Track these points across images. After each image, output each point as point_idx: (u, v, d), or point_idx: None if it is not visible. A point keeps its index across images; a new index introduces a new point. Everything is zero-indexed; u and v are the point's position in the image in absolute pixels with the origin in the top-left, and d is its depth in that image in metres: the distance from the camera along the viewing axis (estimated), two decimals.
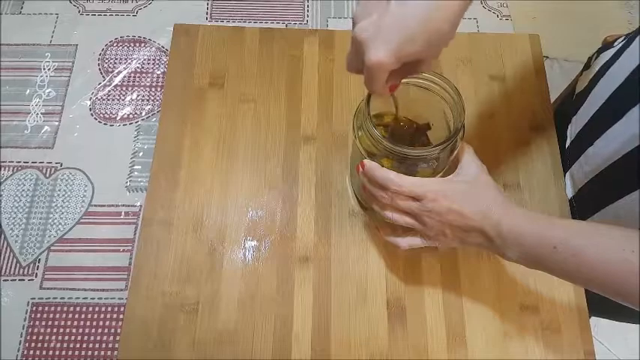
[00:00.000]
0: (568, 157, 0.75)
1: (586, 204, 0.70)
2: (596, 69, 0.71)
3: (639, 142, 0.56)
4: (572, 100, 0.77)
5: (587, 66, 0.78)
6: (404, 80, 0.58)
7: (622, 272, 0.46)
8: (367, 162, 0.57)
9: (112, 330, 0.69)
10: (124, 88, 0.83)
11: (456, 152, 0.58)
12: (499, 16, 0.90)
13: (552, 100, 0.83)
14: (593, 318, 0.71)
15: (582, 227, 0.51)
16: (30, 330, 0.68)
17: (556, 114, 0.80)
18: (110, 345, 0.68)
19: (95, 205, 0.75)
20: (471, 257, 0.71)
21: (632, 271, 0.45)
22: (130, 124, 0.81)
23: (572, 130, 0.75)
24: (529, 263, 0.53)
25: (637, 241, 0.46)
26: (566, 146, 0.76)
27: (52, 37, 0.87)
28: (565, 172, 0.75)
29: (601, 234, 0.49)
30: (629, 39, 0.65)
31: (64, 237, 0.73)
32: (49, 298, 0.70)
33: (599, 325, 0.79)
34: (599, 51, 0.75)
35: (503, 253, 0.53)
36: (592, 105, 0.69)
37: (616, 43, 0.70)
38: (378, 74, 0.46)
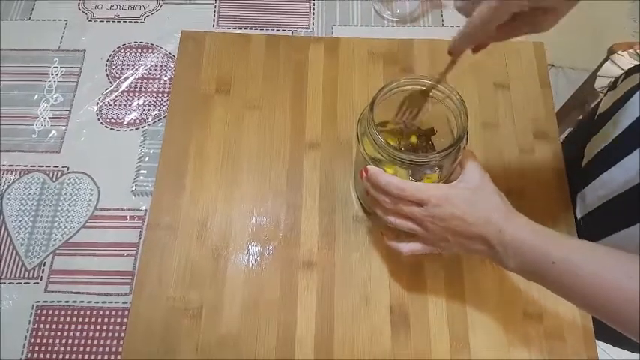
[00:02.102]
0: (583, 177, 0.73)
1: (594, 228, 0.70)
2: (622, 92, 0.69)
3: None
4: (595, 120, 0.76)
5: (614, 86, 0.76)
6: (409, 87, 0.59)
7: (617, 298, 0.45)
8: (371, 168, 0.57)
9: (116, 334, 0.69)
10: (131, 94, 0.84)
11: (459, 159, 0.58)
12: None
13: (557, 109, 0.83)
14: None
15: (584, 247, 0.51)
16: (34, 333, 0.69)
17: (575, 132, 0.79)
18: (114, 349, 0.68)
19: (101, 209, 0.76)
20: (475, 264, 0.71)
21: (627, 298, 0.44)
22: (136, 129, 0.81)
23: (590, 150, 0.73)
24: (527, 274, 0.53)
25: (636, 266, 0.45)
26: (582, 165, 0.75)
27: (60, 42, 0.88)
28: (577, 191, 0.75)
29: (601, 255, 0.48)
30: None
31: (70, 240, 0.74)
32: (54, 301, 0.71)
33: None
34: (628, 73, 0.74)
35: (504, 261, 0.53)
36: (613, 129, 0.67)
37: None
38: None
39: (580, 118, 0.87)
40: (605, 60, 1.21)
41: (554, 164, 0.77)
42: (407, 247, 0.60)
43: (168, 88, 0.84)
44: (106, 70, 0.86)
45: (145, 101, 0.83)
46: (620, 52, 1.21)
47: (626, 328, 0.46)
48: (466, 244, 0.55)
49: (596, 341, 0.66)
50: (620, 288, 0.45)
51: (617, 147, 0.66)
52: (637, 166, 0.59)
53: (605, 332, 0.63)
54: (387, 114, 0.62)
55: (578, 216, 0.74)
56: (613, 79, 0.78)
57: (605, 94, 0.78)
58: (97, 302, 0.71)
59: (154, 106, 0.83)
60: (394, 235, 0.63)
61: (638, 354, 0.85)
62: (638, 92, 0.63)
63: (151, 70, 0.86)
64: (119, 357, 0.68)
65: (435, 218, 0.54)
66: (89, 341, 0.69)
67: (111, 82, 0.85)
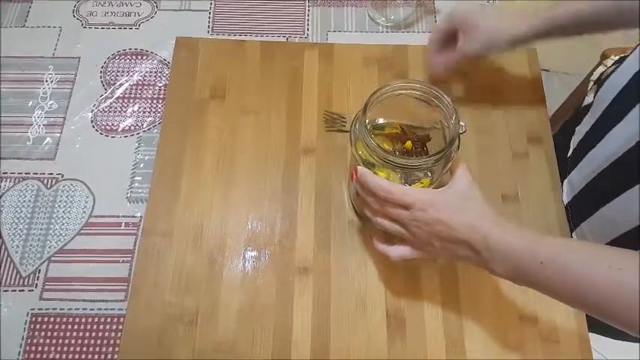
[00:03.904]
0: (569, 166, 0.75)
1: (581, 209, 0.71)
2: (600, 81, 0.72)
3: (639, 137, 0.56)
4: (579, 112, 0.77)
5: (598, 81, 0.78)
6: (404, 92, 0.59)
7: (611, 292, 0.45)
8: (360, 168, 0.57)
9: (112, 341, 0.69)
10: (126, 100, 0.84)
11: (450, 165, 0.58)
12: None
13: (552, 113, 0.84)
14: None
15: (570, 245, 0.51)
16: (29, 341, 0.69)
17: (564, 127, 0.80)
18: (109, 356, 0.68)
19: (96, 216, 0.76)
20: (470, 268, 0.70)
21: (621, 291, 0.45)
22: (131, 135, 0.81)
23: (575, 139, 0.75)
24: (515, 279, 0.53)
25: (626, 258, 0.46)
26: (568, 155, 0.76)
27: (55, 49, 0.88)
28: (563, 179, 0.76)
29: (589, 251, 0.49)
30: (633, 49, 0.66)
31: (65, 248, 0.74)
32: (49, 308, 0.70)
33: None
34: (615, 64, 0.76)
35: (491, 267, 0.53)
36: (595, 111, 0.69)
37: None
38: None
39: (567, 119, 0.89)
40: (598, 65, 1.22)
41: (548, 168, 0.77)
42: (395, 251, 0.60)
43: (163, 95, 0.84)
44: (100, 77, 0.86)
45: (139, 108, 0.83)
46: (612, 57, 1.22)
47: (622, 322, 0.46)
48: (452, 249, 0.55)
49: (595, 348, 0.66)
50: (613, 282, 0.45)
51: (601, 125, 0.67)
52: (622, 137, 0.60)
53: (598, 323, 0.64)
54: (384, 117, 0.63)
55: (565, 201, 0.74)
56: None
57: (590, 88, 0.80)
58: (92, 309, 0.70)
59: (149, 112, 0.83)
60: (384, 240, 0.63)
61: (635, 343, 0.85)
62: (617, 70, 0.64)
63: (145, 76, 0.86)
64: None
65: (420, 222, 0.55)
66: (84, 349, 0.69)
67: (105, 89, 0.85)
